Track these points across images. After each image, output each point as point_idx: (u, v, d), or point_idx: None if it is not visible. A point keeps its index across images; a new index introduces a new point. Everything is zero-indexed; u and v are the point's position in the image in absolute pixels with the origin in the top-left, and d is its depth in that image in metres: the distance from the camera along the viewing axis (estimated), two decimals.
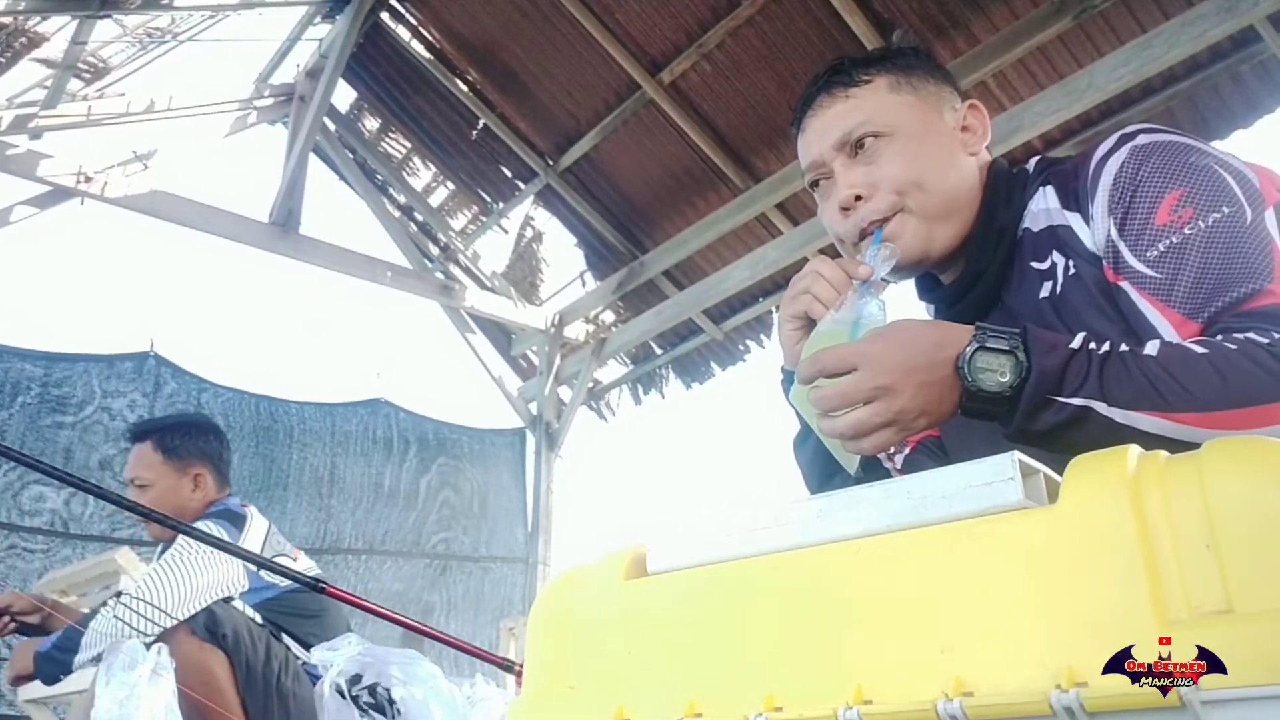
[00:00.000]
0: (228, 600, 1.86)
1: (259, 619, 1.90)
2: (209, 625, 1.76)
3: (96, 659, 1.72)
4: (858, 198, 0.89)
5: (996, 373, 0.69)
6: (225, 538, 1.81)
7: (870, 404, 0.70)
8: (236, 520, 1.96)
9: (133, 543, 3.60)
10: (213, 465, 2.10)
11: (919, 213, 0.88)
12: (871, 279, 0.83)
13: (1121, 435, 0.65)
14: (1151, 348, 0.70)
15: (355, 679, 1.36)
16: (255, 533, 1.97)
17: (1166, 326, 0.76)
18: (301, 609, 1.96)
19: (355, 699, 1.34)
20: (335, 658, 1.38)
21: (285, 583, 1.91)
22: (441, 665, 1.63)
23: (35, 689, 2.45)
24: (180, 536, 1.84)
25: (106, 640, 1.71)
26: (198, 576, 1.80)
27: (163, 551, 2.03)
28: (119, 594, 1.80)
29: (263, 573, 1.89)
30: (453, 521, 5.11)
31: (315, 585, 1.66)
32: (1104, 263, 0.82)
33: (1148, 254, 0.78)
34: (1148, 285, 0.78)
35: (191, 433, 2.15)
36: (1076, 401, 0.68)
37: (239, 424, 4.43)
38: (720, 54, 3.96)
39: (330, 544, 4.59)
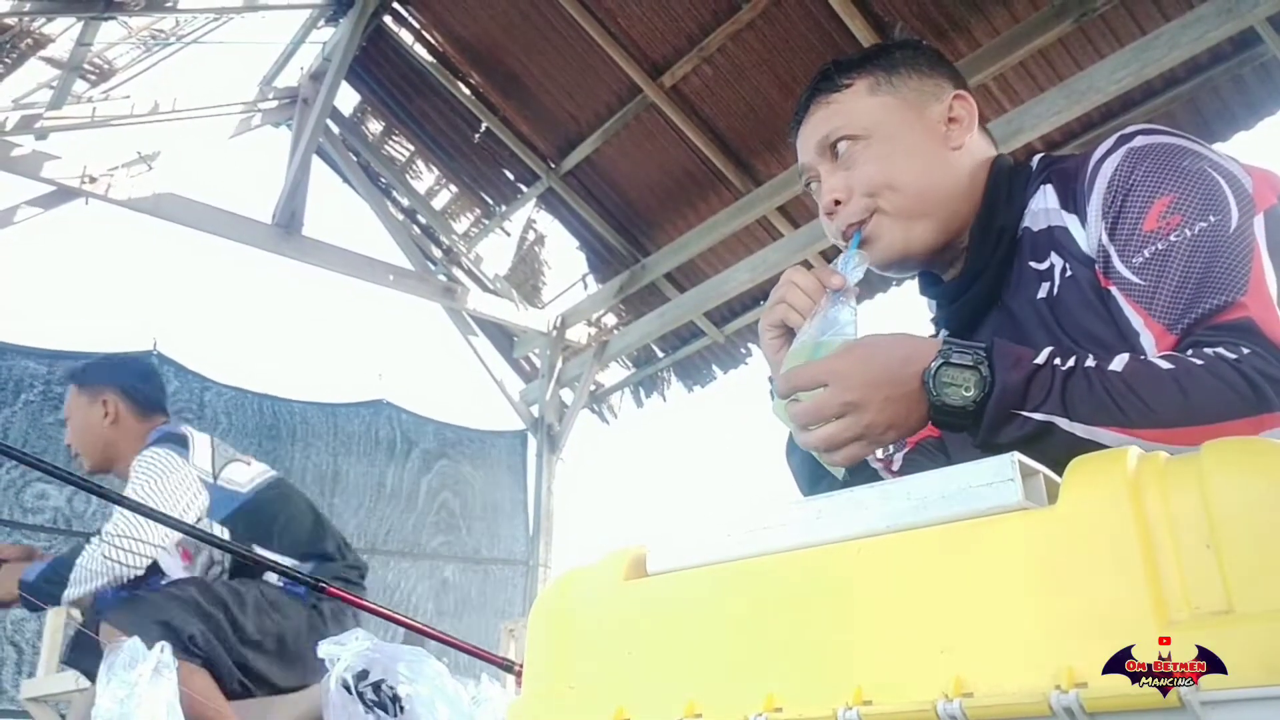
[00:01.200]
0: (175, 587, 1.85)
1: (217, 569, 1.92)
2: (172, 639, 1.71)
3: (86, 597, 1.82)
4: (836, 202, 0.92)
5: (961, 387, 0.71)
6: (176, 459, 1.91)
7: (840, 419, 0.73)
8: (179, 441, 1.99)
9: None
10: (123, 393, 2.11)
11: (893, 213, 0.90)
12: (844, 287, 0.84)
13: (1086, 449, 0.66)
14: (1118, 363, 0.71)
15: (362, 675, 1.36)
16: (201, 448, 2.00)
17: (1149, 337, 0.76)
18: (268, 514, 1.99)
19: (361, 695, 1.34)
20: (343, 653, 1.37)
21: (246, 489, 1.98)
22: (451, 666, 1.63)
23: (37, 687, 2.45)
24: (135, 464, 1.90)
25: (98, 579, 1.78)
26: (164, 497, 1.85)
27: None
28: (99, 532, 1.84)
29: (221, 481, 1.96)
30: (454, 523, 5.12)
31: (315, 585, 1.65)
32: (1096, 266, 0.82)
33: (1134, 260, 0.78)
34: (1133, 292, 0.78)
35: (103, 364, 2.20)
36: (1039, 416, 0.70)
37: (241, 423, 4.44)
38: (721, 57, 3.97)
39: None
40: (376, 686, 1.34)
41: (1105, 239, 0.80)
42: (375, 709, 1.32)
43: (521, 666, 0.74)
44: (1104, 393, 0.69)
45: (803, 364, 0.76)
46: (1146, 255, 0.77)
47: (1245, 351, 0.69)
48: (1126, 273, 0.78)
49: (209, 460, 1.98)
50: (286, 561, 1.91)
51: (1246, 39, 3.03)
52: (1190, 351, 0.71)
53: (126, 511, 1.79)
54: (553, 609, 0.68)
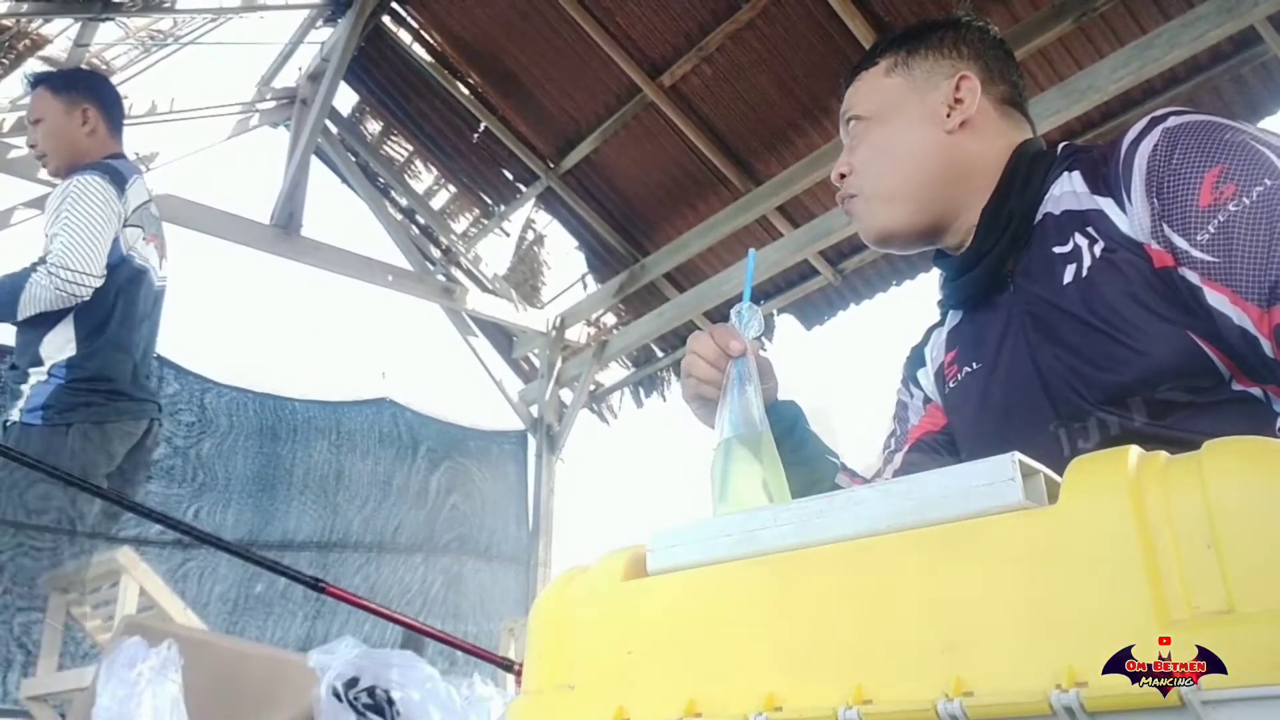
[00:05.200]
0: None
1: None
2: None
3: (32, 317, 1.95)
4: (842, 175, 0.99)
5: None
6: (105, 185, 2.01)
7: None
8: (117, 177, 2.06)
9: (136, 541, 3.61)
10: (101, 106, 2.18)
11: (873, 194, 0.96)
12: (744, 352, 0.83)
13: None
14: None
15: (352, 681, 1.35)
16: (134, 197, 2.09)
17: (1243, 315, 0.74)
18: (128, 294, 2.09)
19: (353, 702, 1.34)
20: (332, 661, 1.37)
21: (124, 251, 2.06)
22: (447, 664, 1.63)
23: (36, 686, 2.44)
24: (71, 183, 2.00)
25: (43, 303, 1.93)
26: (99, 230, 1.98)
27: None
28: (43, 259, 1.94)
29: (119, 233, 2.05)
30: (455, 522, 5.12)
31: (315, 584, 1.65)
32: (1145, 248, 0.80)
33: (1198, 238, 0.76)
34: (1210, 271, 0.76)
35: (82, 74, 2.34)
36: None
37: (243, 422, 4.43)
38: (720, 57, 3.97)
39: (338, 540, 4.61)
40: (370, 692, 1.34)
41: (1160, 220, 0.79)
42: (369, 714, 1.32)
43: (521, 666, 0.74)
44: None
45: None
46: (1211, 231, 0.75)
47: None
48: (1197, 253, 0.76)
49: (130, 210, 2.08)
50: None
51: (1247, 38, 3.03)
52: None
53: (67, 243, 1.92)
54: (552, 609, 0.68)
